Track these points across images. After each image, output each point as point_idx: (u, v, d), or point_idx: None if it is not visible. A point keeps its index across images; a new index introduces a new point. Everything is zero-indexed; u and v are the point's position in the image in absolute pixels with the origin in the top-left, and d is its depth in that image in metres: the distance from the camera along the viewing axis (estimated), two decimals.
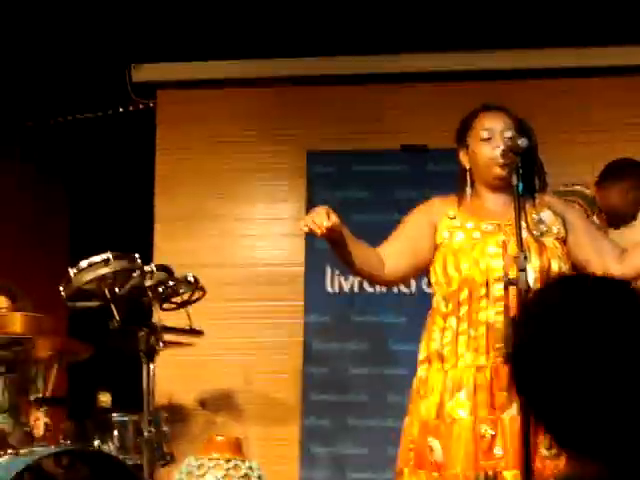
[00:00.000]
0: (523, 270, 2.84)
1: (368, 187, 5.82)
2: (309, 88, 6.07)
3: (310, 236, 5.70)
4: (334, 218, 3.00)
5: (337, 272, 5.78)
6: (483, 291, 3.04)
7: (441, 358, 3.07)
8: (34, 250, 6.45)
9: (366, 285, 5.74)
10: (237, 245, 6.04)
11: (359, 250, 3.16)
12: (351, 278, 5.76)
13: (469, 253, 3.09)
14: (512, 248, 3.02)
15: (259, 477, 3.31)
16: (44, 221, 6.69)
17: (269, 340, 5.87)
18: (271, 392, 5.84)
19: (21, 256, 6.25)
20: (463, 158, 3.25)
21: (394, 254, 3.21)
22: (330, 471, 5.60)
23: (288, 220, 6.03)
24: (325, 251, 5.76)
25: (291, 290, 5.87)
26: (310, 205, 5.87)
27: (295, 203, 5.99)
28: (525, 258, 2.85)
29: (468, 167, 3.23)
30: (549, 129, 5.13)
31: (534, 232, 3.13)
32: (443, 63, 5.88)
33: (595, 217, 4.49)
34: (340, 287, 5.77)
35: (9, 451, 4.01)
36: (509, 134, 3.14)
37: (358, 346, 5.70)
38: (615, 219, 4.60)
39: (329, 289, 5.78)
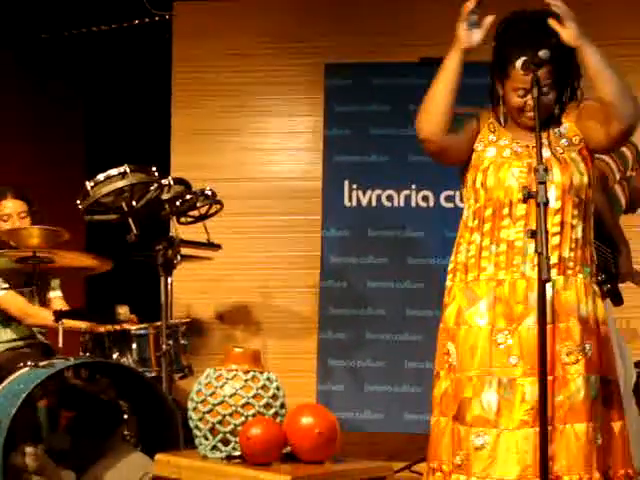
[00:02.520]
0: (542, 183, 2.82)
1: (386, 100, 5.76)
2: (327, 0, 5.99)
3: (329, 150, 5.74)
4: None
5: (355, 186, 5.76)
6: (506, 210, 3.08)
7: (465, 270, 3.14)
8: (51, 165, 6.44)
9: (384, 199, 5.72)
10: (254, 159, 6.01)
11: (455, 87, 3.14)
12: (369, 192, 5.74)
13: (495, 172, 3.11)
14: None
15: (277, 388, 3.32)
16: (60, 134, 6.67)
17: (286, 254, 5.88)
18: (289, 306, 5.87)
19: (38, 172, 6.25)
20: (498, 85, 3.19)
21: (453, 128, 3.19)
22: (347, 384, 5.65)
23: (306, 134, 6.00)
24: (343, 164, 5.81)
25: (308, 204, 5.85)
26: (327, 118, 5.84)
27: (313, 116, 5.94)
28: (545, 170, 2.82)
29: (501, 94, 3.18)
30: None
31: (557, 149, 3.12)
32: None
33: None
34: (358, 201, 5.75)
35: (29, 363, 4.05)
36: (544, 90, 3.05)
37: (376, 260, 5.70)
38: (632, 203, 4.48)
39: (347, 203, 5.76)
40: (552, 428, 2.92)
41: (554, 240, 3.03)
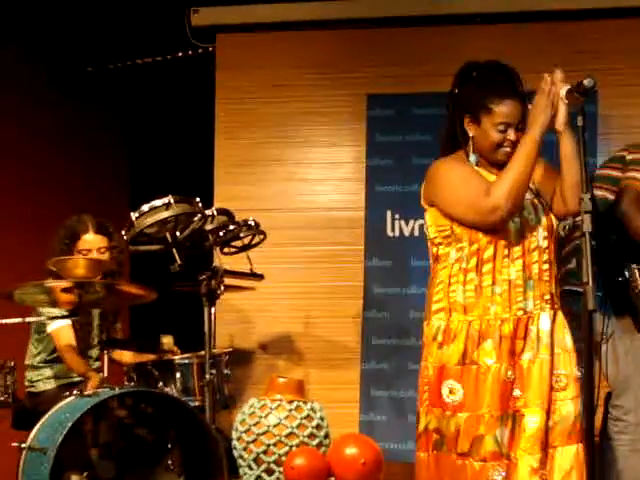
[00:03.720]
0: (588, 212, 2.87)
1: (428, 130, 5.75)
2: (369, 31, 6.01)
3: (371, 180, 5.74)
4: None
5: (397, 216, 5.76)
6: (506, 251, 3.22)
7: (463, 310, 3.23)
8: (97, 197, 6.49)
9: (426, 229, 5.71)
10: (297, 189, 6.03)
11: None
12: (411, 222, 5.74)
13: None
14: (527, 211, 3.25)
15: (321, 418, 3.33)
16: (105, 166, 6.73)
17: (329, 284, 5.88)
18: (331, 336, 5.86)
19: (84, 203, 6.30)
20: (469, 126, 3.31)
21: None
22: (390, 414, 5.62)
23: (348, 164, 6.01)
24: (385, 195, 5.81)
25: (351, 234, 5.86)
26: (369, 148, 5.85)
27: (355, 147, 5.96)
28: (591, 199, 2.88)
29: (472, 135, 3.30)
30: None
31: (536, 191, 3.33)
32: (503, 5, 5.81)
33: None
34: (400, 231, 5.75)
35: (74, 392, 4.07)
36: (520, 126, 3.25)
37: (418, 290, 5.68)
38: None
39: (389, 233, 5.76)
40: (547, 453, 3.11)
41: (545, 277, 3.23)
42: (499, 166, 3.26)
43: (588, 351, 2.86)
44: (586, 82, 2.99)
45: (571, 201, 3.20)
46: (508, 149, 3.24)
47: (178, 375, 4.57)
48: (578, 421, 3.14)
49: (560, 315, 3.26)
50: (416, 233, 5.71)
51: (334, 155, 6.02)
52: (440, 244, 3.30)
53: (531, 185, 3.26)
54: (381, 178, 5.80)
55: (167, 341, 4.39)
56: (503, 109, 3.24)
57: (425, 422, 3.26)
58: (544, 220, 3.27)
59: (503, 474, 3.09)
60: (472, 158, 3.29)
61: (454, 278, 3.25)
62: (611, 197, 4.20)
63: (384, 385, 5.64)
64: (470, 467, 3.13)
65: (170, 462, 4.19)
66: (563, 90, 3.08)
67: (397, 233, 5.75)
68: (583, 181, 2.92)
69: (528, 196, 3.25)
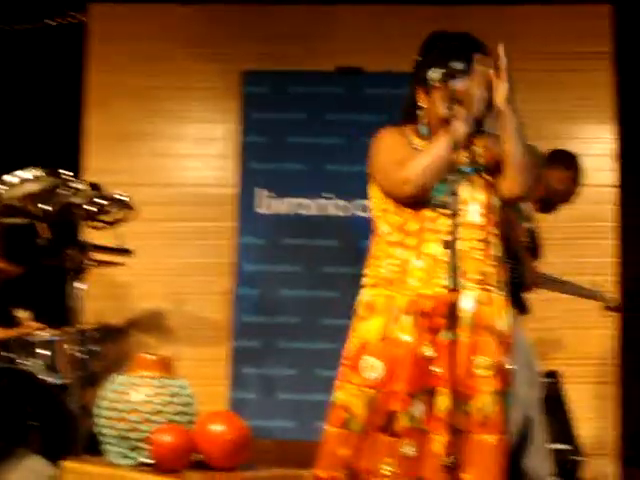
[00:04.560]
0: (454, 194, 2.86)
1: (302, 108, 5.77)
2: (245, 6, 5.97)
3: (246, 157, 5.72)
4: None
5: (270, 194, 5.75)
6: (431, 225, 3.11)
7: (388, 284, 3.15)
8: None
9: (299, 208, 5.72)
10: (169, 165, 5.97)
11: None
12: (285, 200, 5.74)
13: None
14: (463, 186, 3.09)
15: (189, 396, 3.30)
16: None
17: (200, 261, 5.85)
18: (202, 313, 5.84)
19: None
20: (422, 97, 3.21)
21: None
22: (259, 392, 5.63)
23: (221, 141, 5.98)
24: (259, 172, 5.80)
25: (222, 211, 5.83)
26: (244, 126, 5.82)
27: (228, 123, 5.93)
28: (456, 183, 2.87)
29: (425, 107, 3.20)
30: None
31: (479, 167, 3.18)
32: None
33: None
34: (273, 209, 5.74)
35: None
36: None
37: (290, 268, 5.70)
38: (543, 204, 4.56)
39: (262, 211, 5.75)
40: (462, 437, 2.96)
41: (476, 255, 3.09)
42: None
43: (456, 336, 2.82)
44: (458, 66, 3.02)
45: (512, 184, 3.11)
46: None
47: (43, 352, 4.48)
48: (501, 414, 3.01)
49: (497, 299, 3.12)
50: (289, 211, 5.72)
51: (207, 131, 5.98)
52: (377, 218, 3.22)
53: (479, 159, 3.15)
54: (255, 155, 5.79)
55: (23, 316, 4.29)
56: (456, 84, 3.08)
57: (336, 397, 3.17)
58: (481, 197, 3.14)
59: (414, 449, 3.02)
60: (423, 130, 3.18)
61: (382, 252, 3.17)
62: None
63: (254, 363, 5.65)
64: (380, 441, 3.06)
65: (28, 439, 4.11)
66: (436, 74, 3.08)
67: (270, 211, 5.74)
68: (453, 165, 2.90)
69: (467, 170, 3.13)
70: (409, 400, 3.05)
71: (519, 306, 4.30)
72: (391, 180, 3.15)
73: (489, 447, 3.00)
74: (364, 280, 3.23)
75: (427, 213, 3.12)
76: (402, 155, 3.15)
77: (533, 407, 4.31)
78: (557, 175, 4.53)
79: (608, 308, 5.20)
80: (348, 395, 3.13)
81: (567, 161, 4.64)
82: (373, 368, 3.12)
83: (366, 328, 3.16)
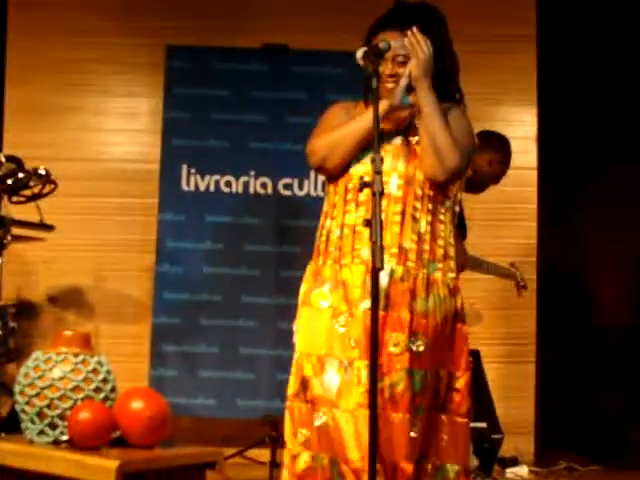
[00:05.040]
0: (378, 173, 2.85)
1: (227, 85, 5.73)
2: None
3: (168, 133, 5.66)
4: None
5: (193, 171, 5.71)
6: (350, 196, 3.14)
7: (317, 253, 3.21)
8: None
9: (222, 185, 5.70)
10: (91, 139, 5.90)
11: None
12: (207, 177, 5.71)
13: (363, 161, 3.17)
14: (387, 158, 3.09)
15: (108, 372, 3.27)
16: None
17: (121, 237, 5.80)
18: (122, 290, 5.80)
19: None
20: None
21: None
22: (180, 369, 5.60)
23: (145, 115, 5.93)
24: (182, 148, 5.75)
25: (145, 187, 5.79)
26: (168, 101, 5.77)
27: (152, 98, 5.87)
28: (381, 160, 2.86)
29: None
30: None
31: (412, 138, 3.19)
32: None
33: None
34: (196, 186, 5.70)
35: None
36: (400, 59, 3.16)
37: (213, 246, 5.67)
38: (471, 184, 4.57)
39: (185, 187, 5.70)
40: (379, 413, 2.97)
41: (394, 229, 3.07)
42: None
43: (374, 311, 2.81)
44: (381, 45, 3.03)
45: (432, 167, 3.09)
46: (389, 84, 3.16)
47: None
48: (408, 393, 3.00)
49: (418, 275, 3.07)
50: (212, 188, 5.69)
51: (131, 106, 5.92)
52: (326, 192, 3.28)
53: (412, 138, 3.16)
54: (178, 131, 5.73)
55: None
56: (378, 39, 3.13)
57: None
58: (402, 168, 3.11)
59: (323, 419, 3.01)
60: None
61: (319, 223, 3.24)
62: None
63: (175, 340, 5.62)
64: (298, 409, 3.09)
65: None
66: (359, 52, 3.09)
67: (192, 188, 5.70)
68: (376, 141, 2.89)
69: (398, 142, 3.16)
70: (323, 368, 3.05)
71: None
72: (307, 149, 3.22)
73: (394, 425, 3.00)
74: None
75: (349, 184, 3.15)
76: (326, 125, 3.21)
77: None
78: (485, 157, 4.56)
79: (519, 286, 5.29)
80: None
81: (496, 143, 4.67)
82: (295, 332, 3.19)
83: (300, 295, 3.21)
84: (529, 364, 5.91)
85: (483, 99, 5.90)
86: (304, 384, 3.09)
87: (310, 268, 3.23)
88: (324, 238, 3.18)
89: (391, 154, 3.14)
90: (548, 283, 6.06)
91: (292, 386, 3.13)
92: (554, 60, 6.01)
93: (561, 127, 6.47)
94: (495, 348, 5.80)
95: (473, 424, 4.46)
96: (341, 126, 3.20)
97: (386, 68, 3.16)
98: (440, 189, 3.15)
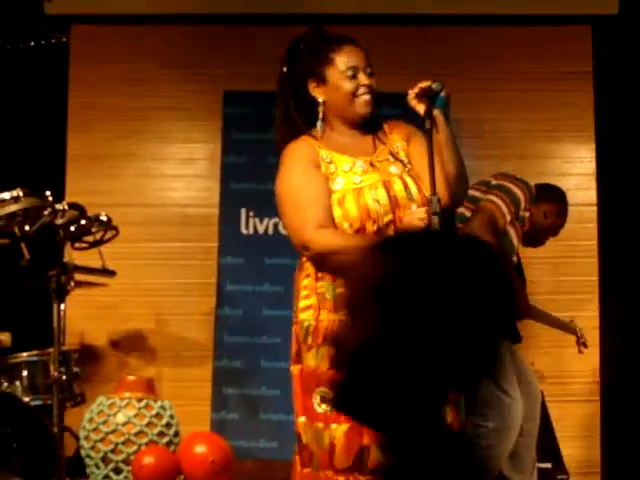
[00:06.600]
0: (436, 214, 2.85)
1: None
2: (226, 27, 6.00)
3: (226, 178, 5.71)
4: None
5: (251, 214, 5.75)
6: (376, 227, 3.05)
7: (333, 307, 3.13)
8: None
9: (281, 227, 5.72)
10: (150, 185, 5.98)
11: None
12: (266, 220, 5.74)
13: (355, 201, 3.05)
14: (398, 187, 3.05)
15: (171, 416, 3.30)
16: None
17: (181, 281, 5.84)
18: (183, 333, 5.83)
19: None
20: (316, 91, 3.18)
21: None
22: (241, 412, 5.61)
23: (203, 161, 5.99)
24: (240, 192, 5.80)
25: (205, 232, 5.83)
26: (225, 146, 5.83)
27: (210, 144, 5.94)
28: (438, 201, 2.86)
29: (322, 100, 3.16)
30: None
31: (404, 163, 3.14)
32: (360, 6, 5.89)
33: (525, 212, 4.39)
34: (255, 229, 5.75)
35: None
36: (368, 70, 3.14)
37: (272, 288, 5.69)
38: (530, 238, 4.54)
39: (244, 231, 5.75)
40: None
41: None
42: (356, 126, 3.12)
43: None
44: (434, 86, 3.04)
45: (451, 188, 3.04)
46: (366, 96, 3.10)
47: (24, 373, 4.46)
48: None
49: None
50: (270, 231, 5.73)
51: (189, 151, 5.99)
52: None
53: (403, 158, 3.11)
54: (236, 176, 5.79)
55: (3, 338, 4.28)
56: (344, 54, 3.12)
57: (300, 433, 3.09)
58: (417, 194, 3.07)
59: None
60: (318, 124, 3.14)
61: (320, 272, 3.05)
62: (468, 214, 4.24)
63: (236, 383, 5.63)
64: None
65: (9, 461, 4.09)
66: (412, 93, 3.09)
67: (251, 231, 5.75)
68: (431, 183, 2.90)
69: (393, 170, 3.10)
70: None
71: (512, 334, 4.29)
72: (293, 232, 3.09)
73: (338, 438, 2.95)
74: (303, 303, 3.24)
75: (368, 227, 3.02)
76: (314, 201, 3.04)
77: (531, 420, 4.34)
78: (541, 209, 4.54)
79: (580, 343, 5.28)
80: (305, 432, 3.24)
81: (551, 195, 4.65)
82: (327, 401, 3.12)
83: (314, 356, 3.16)
84: (593, 403, 5.82)
85: (541, 136, 5.89)
86: (363, 454, 2.96)
87: (324, 325, 3.15)
88: (342, 288, 3.07)
89: (403, 183, 3.10)
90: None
91: (341, 460, 3.01)
92: (611, 95, 5.97)
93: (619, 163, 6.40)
94: (559, 387, 5.72)
95: (538, 464, 4.44)
96: (321, 188, 3.06)
97: (362, 79, 3.13)
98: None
